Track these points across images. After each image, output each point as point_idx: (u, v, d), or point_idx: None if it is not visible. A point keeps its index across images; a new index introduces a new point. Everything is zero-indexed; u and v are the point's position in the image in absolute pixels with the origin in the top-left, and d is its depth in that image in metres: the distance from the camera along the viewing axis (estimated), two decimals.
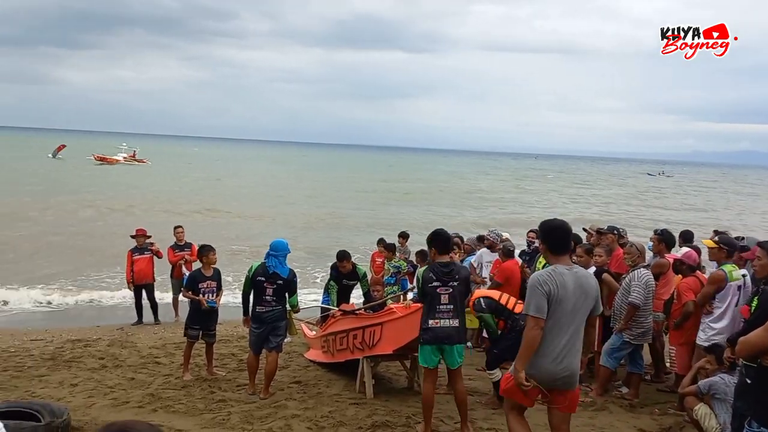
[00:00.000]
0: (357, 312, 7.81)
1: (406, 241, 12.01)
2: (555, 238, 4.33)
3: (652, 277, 6.74)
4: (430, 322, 5.57)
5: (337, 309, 8.19)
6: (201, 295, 7.61)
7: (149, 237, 11.35)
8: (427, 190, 49.35)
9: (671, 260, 7.21)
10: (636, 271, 6.68)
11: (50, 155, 66.92)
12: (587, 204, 45.32)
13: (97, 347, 9.02)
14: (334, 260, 9.10)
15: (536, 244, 9.10)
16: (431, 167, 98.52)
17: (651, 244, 7.63)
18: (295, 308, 7.17)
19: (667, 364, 7.39)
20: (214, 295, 7.75)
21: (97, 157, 63.35)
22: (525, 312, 4.17)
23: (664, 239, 7.36)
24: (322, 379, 7.58)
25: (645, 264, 6.87)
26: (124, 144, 75.44)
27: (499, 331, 6.37)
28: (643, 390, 7.07)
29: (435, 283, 5.56)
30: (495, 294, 6.64)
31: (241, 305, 7.17)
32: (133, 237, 11.29)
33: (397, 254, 11.35)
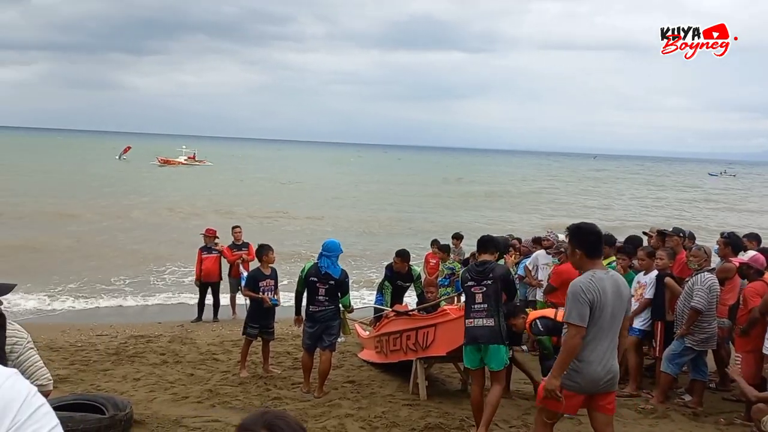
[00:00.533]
0: (410, 313, 7.81)
1: (461, 243, 11.93)
2: (590, 242, 4.25)
3: (716, 281, 6.48)
4: (467, 322, 5.60)
5: (390, 309, 8.20)
6: (261, 293, 7.77)
7: (218, 237, 11.64)
8: (491, 193, 47.89)
9: (737, 264, 6.93)
10: (700, 275, 6.43)
11: (117, 157, 69.49)
12: (659, 206, 43.31)
13: (159, 343, 9.30)
14: (390, 260, 9.11)
15: None
16: (494, 169, 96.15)
17: (717, 247, 7.35)
18: (348, 308, 7.22)
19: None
20: (273, 293, 7.90)
21: (161, 159, 65.46)
22: (566, 320, 4.13)
23: (730, 243, 7.08)
24: (376, 380, 7.61)
25: (710, 268, 6.61)
26: (184, 146, 77.61)
27: (553, 347, 6.28)
28: (708, 398, 6.81)
29: (470, 283, 5.60)
30: (550, 313, 6.51)
31: (294, 304, 7.28)
32: (203, 236, 11.61)
33: (452, 256, 11.29)
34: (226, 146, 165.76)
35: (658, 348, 7.01)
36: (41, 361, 3.33)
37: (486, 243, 5.83)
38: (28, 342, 3.31)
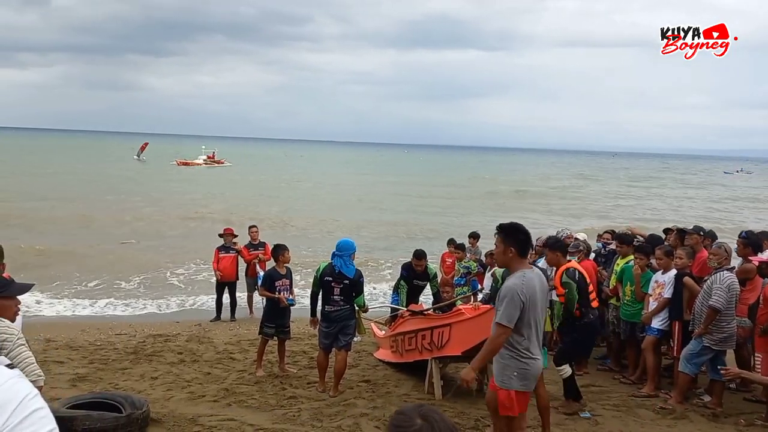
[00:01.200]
0: (425, 312, 7.80)
1: (477, 242, 11.88)
2: (521, 241, 4.35)
3: (736, 280, 6.38)
4: None
5: (405, 309, 8.20)
6: (277, 293, 7.81)
7: (236, 236, 11.71)
8: (508, 194, 45.95)
9: (757, 263, 6.83)
10: (719, 274, 6.34)
11: (136, 156, 70.17)
12: (688, 207, 41.58)
13: (177, 342, 9.37)
14: (406, 260, 9.10)
15: (612, 246, 8.84)
16: (529, 169, 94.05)
17: (736, 247, 7.25)
18: (363, 308, 7.23)
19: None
20: (288, 292, 7.94)
21: (180, 162, 65.74)
22: (497, 320, 4.26)
23: (749, 242, 6.98)
24: (391, 379, 7.61)
25: (729, 267, 6.52)
26: (203, 146, 78.14)
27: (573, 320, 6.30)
28: (728, 399, 6.73)
29: None
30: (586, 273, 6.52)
31: (310, 305, 7.31)
32: (221, 236, 11.70)
33: (468, 255, 11.24)
34: (244, 146, 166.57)
35: (675, 348, 6.93)
36: (33, 358, 3.34)
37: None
38: (18, 339, 3.31)
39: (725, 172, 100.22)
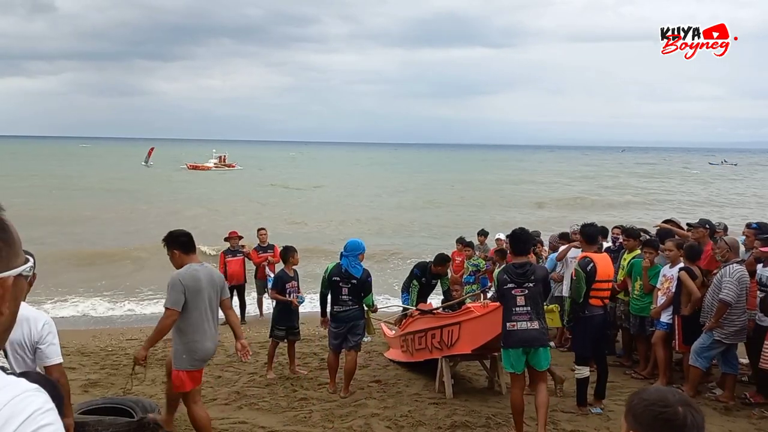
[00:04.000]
0: (435, 311, 7.79)
1: (486, 239, 11.87)
2: (183, 243, 5.04)
3: (746, 272, 6.34)
4: (508, 325, 5.47)
5: (414, 308, 8.19)
6: (288, 296, 7.84)
7: (241, 238, 11.74)
8: (514, 196, 43.78)
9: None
10: (728, 267, 6.30)
11: (143, 162, 70.22)
12: (713, 205, 39.43)
13: None
14: (419, 260, 9.08)
15: (620, 241, 8.79)
16: (526, 166, 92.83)
17: (743, 238, 7.19)
18: (371, 308, 7.23)
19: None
20: (297, 292, 7.99)
21: (190, 166, 65.44)
22: (165, 305, 4.94)
23: (759, 233, 6.92)
24: (402, 379, 7.61)
25: (738, 259, 6.48)
26: (214, 150, 78.06)
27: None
28: (741, 392, 6.68)
29: (509, 285, 5.46)
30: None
31: (320, 306, 7.33)
32: (226, 240, 11.72)
33: (477, 252, 11.23)
34: (253, 149, 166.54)
35: (677, 342, 6.90)
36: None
37: (525, 244, 5.72)
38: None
39: (710, 163, 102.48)
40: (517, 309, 5.42)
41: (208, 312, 5.03)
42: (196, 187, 44.50)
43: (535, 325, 5.42)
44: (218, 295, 5.16)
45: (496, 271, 5.93)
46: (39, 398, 1.14)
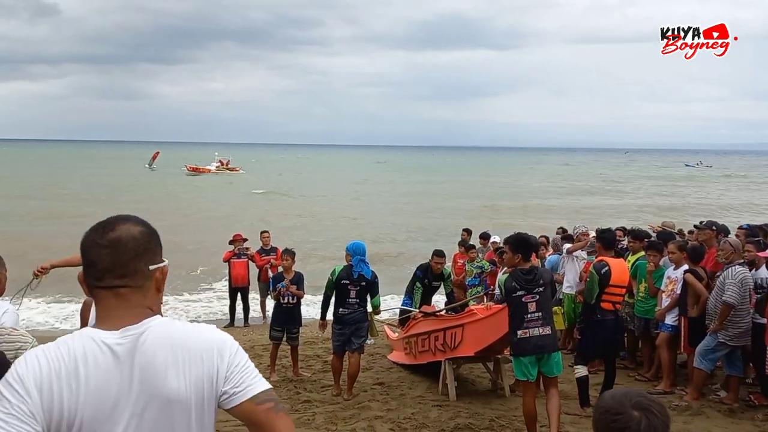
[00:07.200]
0: (438, 314, 7.79)
1: (488, 242, 11.86)
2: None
3: (748, 274, 6.33)
4: (519, 332, 5.35)
5: (417, 311, 8.20)
6: (282, 298, 7.81)
7: (246, 240, 11.75)
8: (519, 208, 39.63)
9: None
10: (731, 269, 6.29)
11: (147, 165, 70.09)
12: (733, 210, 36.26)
13: None
14: (420, 261, 9.10)
15: (624, 243, 8.79)
16: (529, 168, 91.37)
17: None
18: (377, 309, 7.24)
19: None
20: (289, 294, 7.88)
21: (190, 167, 64.90)
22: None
23: (751, 235, 6.92)
24: (405, 381, 7.61)
25: (741, 261, 6.46)
26: (216, 153, 77.74)
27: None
28: (744, 394, 6.66)
29: (520, 292, 5.35)
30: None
31: (320, 309, 7.34)
32: (231, 242, 11.73)
33: (480, 255, 11.22)
34: (256, 152, 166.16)
35: (682, 344, 6.89)
36: None
37: (530, 248, 5.65)
38: (32, 347, 3.36)
39: (686, 164, 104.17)
40: (529, 316, 5.32)
41: None
42: (191, 195, 43.60)
43: (548, 330, 5.36)
44: None
45: (502, 277, 5.87)
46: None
